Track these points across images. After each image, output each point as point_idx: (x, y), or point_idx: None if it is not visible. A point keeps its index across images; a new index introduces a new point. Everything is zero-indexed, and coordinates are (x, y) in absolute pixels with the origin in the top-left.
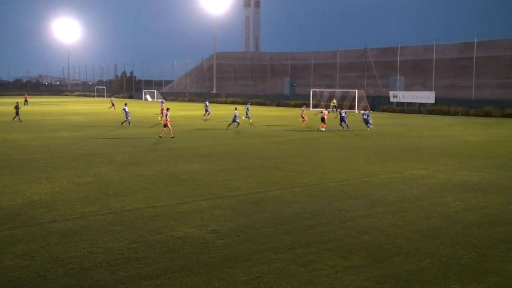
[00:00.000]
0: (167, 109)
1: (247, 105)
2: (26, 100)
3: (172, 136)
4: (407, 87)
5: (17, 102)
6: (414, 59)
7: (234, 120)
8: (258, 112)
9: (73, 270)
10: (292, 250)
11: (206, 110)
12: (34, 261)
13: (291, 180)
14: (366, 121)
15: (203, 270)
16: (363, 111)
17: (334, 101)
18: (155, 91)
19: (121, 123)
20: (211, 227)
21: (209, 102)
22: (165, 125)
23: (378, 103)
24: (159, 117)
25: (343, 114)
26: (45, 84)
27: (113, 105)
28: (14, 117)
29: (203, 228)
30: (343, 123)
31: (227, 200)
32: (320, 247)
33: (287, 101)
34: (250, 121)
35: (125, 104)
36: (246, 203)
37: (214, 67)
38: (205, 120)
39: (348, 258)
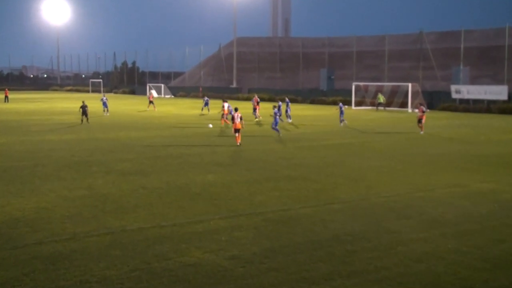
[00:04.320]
0: (236, 109)
1: (287, 101)
2: (6, 96)
3: (238, 143)
4: (473, 80)
5: (83, 101)
6: (482, 46)
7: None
8: None
9: None
10: (329, 281)
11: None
12: None
13: (327, 195)
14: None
15: None
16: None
17: (380, 96)
18: (162, 85)
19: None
20: (230, 252)
21: (227, 99)
22: (237, 130)
23: (437, 100)
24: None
25: (342, 108)
26: (30, 77)
27: (151, 102)
28: (87, 118)
29: (220, 253)
30: (341, 117)
31: (249, 219)
32: (364, 278)
33: (323, 98)
34: (290, 121)
35: (226, 101)
36: (273, 222)
37: (234, 55)
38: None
39: None
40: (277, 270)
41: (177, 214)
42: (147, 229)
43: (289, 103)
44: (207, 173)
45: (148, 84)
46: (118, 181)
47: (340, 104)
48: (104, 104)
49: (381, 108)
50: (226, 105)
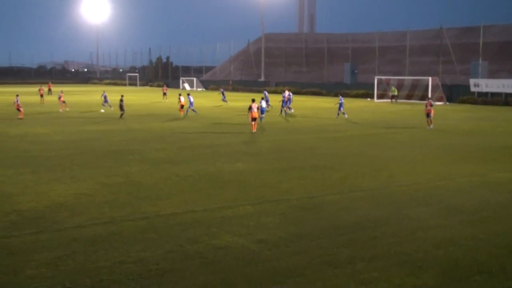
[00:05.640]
0: (253, 100)
1: (290, 93)
2: (49, 89)
3: (254, 131)
4: (492, 74)
5: (121, 95)
6: (501, 41)
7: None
8: (313, 103)
9: (102, 283)
10: (351, 265)
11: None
12: (59, 271)
13: (351, 183)
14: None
15: (248, 286)
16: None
17: (394, 88)
18: (194, 78)
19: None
20: (258, 236)
21: (255, 92)
22: (254, 119)
23: (456, 93)
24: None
25: (342, 101)
26: (71, 71)
27: (165, 94)
28: (122, 113)
29: (249, 237)
30: (339, 110)
31: (276, 205)
32: (385, 262)
33: (347, 91)
34: (291, 111)
35: (189, 94)
36: (298, 209)
37: (263, 51)
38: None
39: (418, 276)
40: (301, 254)
41: (208, 201)
42: (180, 214)
43: (291, 96)
44: (236, 162)
45: (181, 78)
46: (152, 169)
47: (340, 96)
48: (105, 100)
49: (394, 100)
50: (182, 98)
